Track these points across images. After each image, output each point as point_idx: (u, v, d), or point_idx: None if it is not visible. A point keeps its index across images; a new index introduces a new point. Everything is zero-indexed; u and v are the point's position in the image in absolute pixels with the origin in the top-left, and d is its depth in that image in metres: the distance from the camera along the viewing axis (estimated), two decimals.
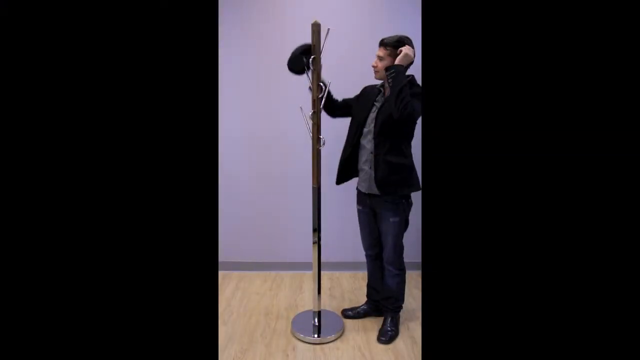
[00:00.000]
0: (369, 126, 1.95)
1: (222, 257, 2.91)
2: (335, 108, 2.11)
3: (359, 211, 2.14)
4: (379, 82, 2.02)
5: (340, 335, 2.12)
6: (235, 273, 2.90)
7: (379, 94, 1.99)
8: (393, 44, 1.82)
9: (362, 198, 2.08)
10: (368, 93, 2.05)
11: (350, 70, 2.67)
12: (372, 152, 1.94)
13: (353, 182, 2.80)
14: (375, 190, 1.96)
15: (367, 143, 1.96)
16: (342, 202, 2.83)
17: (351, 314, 2.29)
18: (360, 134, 1.99)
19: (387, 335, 2.08)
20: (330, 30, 1.83)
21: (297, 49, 1.95)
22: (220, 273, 2.89)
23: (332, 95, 2.08)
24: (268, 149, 2.79)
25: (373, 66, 1.91)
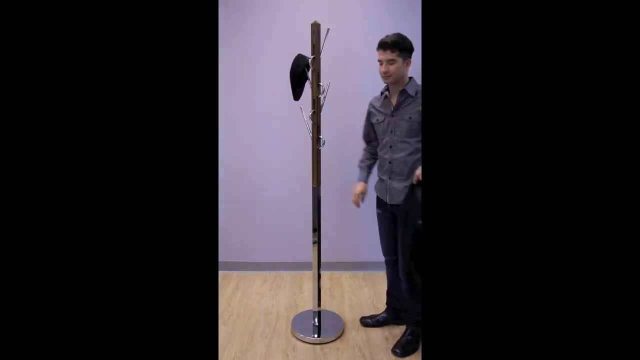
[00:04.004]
0: (385, 136, 1.95)
1: (222, 257, 2.92)
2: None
3: (378, 215, 2.09)
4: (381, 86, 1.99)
5: (340, 335, 2.12)
6: (235, 273, 2.90)
7: (384, 100, 1.97)
8: (394, 44, 1.80)
9: (382, 203, 2.04)
10: (373, 106, 2.03)
11: (350, 70, 2.68)
12: (389, 162, 1.93)
13: (349, 183, 2.81)
14: (395, 200, 1.93)
15: (385, 153, 1.96)
16: (342, 202, 2.83)
17: (370, 322, 2.21)
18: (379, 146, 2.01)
19: (403, 349, 1.98)
20: (329, 30, 1.83)
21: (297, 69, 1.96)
22: (220, 273, 2.89)
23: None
24: (268, 149, 2.79)
25: (384, 72, 1.85)
